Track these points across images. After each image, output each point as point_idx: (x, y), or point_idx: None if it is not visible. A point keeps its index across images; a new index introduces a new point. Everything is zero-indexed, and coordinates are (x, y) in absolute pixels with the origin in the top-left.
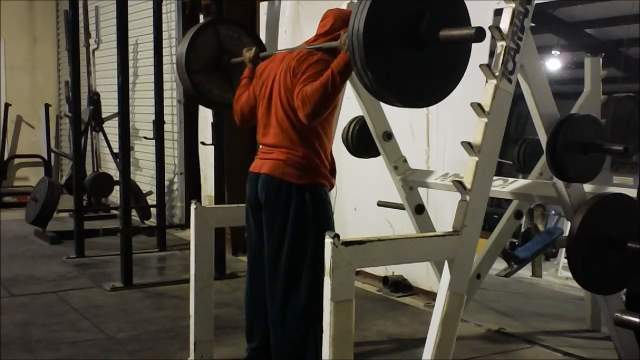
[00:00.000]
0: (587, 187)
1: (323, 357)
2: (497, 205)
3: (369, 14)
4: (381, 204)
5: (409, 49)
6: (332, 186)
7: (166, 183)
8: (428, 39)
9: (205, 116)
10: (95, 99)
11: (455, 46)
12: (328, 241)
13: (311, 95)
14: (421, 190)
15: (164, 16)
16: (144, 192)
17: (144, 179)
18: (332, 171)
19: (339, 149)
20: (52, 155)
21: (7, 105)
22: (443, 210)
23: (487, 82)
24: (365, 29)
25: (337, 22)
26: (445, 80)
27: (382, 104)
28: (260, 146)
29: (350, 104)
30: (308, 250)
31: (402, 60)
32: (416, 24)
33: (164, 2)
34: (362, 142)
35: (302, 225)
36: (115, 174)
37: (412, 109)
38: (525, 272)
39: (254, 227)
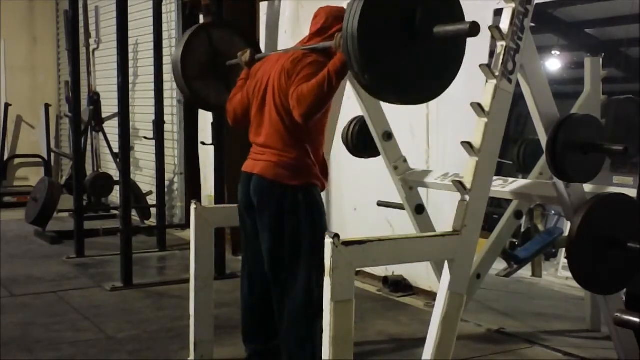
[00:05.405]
0: (587, 187)
1: (323, 357)
2: (497, 205)
3: (362, 14)
4: (381, 204)
5: (404, 46)
6: (323, 187)
7: (166, 183)
8: (422, 35)
9: (205, 116)
10: (95, 99)
11: (450, 41)
12: (328, 241)
13: (307, 94)
14: (421, 190)
15: (164, 16)
16: (144, 192)
17: (144, 179)
18: (324, 172)
19: (339, 149)
20: (52, 155)
21: (7, 105)
22: (443, 210)
23: (487, 82)
24: (360, 30)
25: (329, 19)
26: (442, 75)
27: (382, 104)
28: (253, 145)
29: (350, 104)
30: (303, 250)
31: (397, 59)
32: (410, 20)
33: (164, 2)
34: (362, 142)
35: (296, 225)
36: (115, 174)
37: (411, 108)
38: (525, 272)
39: (250, 228)
